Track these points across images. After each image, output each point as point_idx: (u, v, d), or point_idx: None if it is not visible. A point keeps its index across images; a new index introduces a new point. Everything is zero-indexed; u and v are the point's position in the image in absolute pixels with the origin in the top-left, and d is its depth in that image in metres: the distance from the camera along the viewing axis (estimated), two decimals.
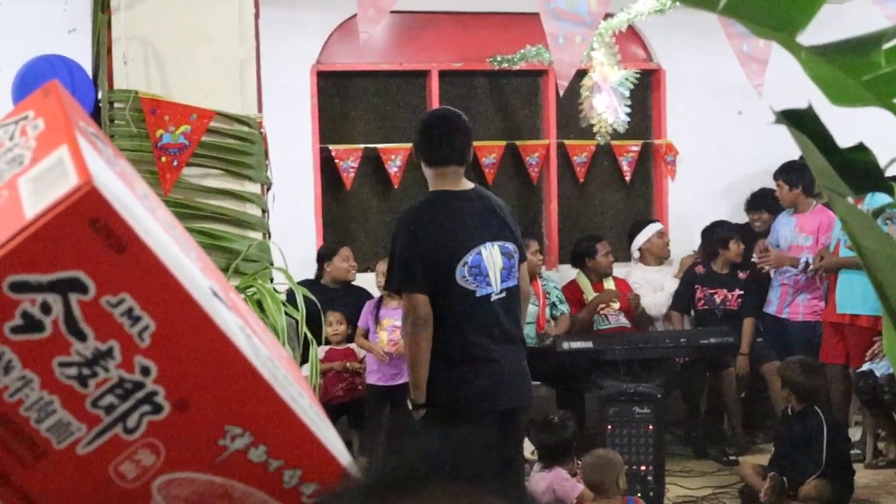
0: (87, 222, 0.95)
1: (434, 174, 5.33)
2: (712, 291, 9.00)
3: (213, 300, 1.05)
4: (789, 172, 8.81)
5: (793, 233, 8.85)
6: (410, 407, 5.22)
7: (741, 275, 9.05)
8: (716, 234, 9.14)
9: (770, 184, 9.18)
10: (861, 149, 1.43)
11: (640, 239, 9.48)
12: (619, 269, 9.31)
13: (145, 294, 0.98)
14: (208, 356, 1.01)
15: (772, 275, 8.91)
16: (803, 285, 8.78)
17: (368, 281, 8.60)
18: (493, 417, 5.22)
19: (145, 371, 1.00)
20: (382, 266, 8.16)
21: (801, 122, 1.41)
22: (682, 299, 9.14)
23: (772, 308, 8.96)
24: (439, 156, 5.31)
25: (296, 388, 1.12)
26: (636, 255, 9.54)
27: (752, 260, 8.93)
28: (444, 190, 5.31)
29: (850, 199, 1.47)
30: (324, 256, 8.58)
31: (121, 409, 1.00)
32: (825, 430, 7.15)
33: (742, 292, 8.99)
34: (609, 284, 9.11)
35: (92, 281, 0.96)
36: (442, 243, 5.19)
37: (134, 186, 1.10)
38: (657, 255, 9.40)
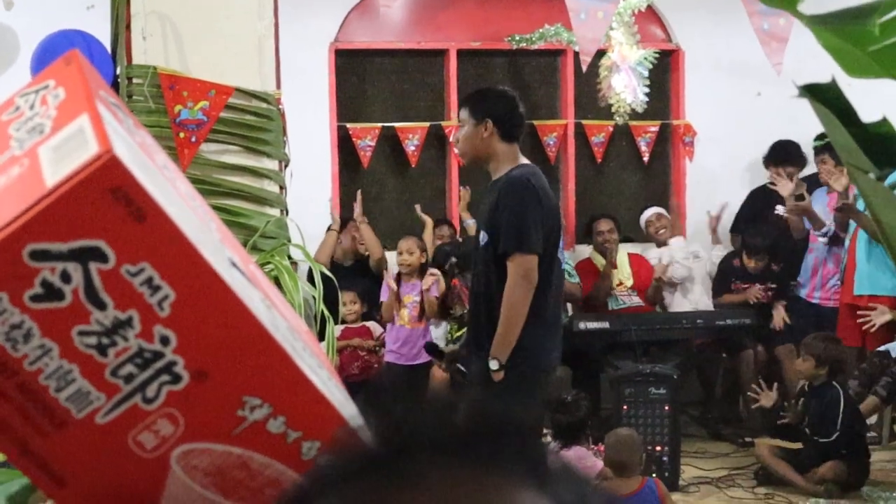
0: (107, 191, 0.94)
1: (510, 149, 5.42)
2: (745, 286, 8.93)
3: (233, 271, 1.04)
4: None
5: (824, 211, 8.77)
6: (495, 367, 5.19)
7: (775, 267, 9.00)
8: (742, 242, 9.17)
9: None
10: (884, 123, 1.42)
11: (641, 224, 9.56)
12: (636, 248, 9.30)
13: (165, 263, 0.97)
14: (228, 326, 1.01)
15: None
16: (832, 270, 8.73)
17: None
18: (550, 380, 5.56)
19: (165, 341, 0.99)
20: (405, 243, 8.15)
21: (823, 96, 1.40)
22: (718, 289, 9.11)
23: (803, 292, 8.94)
24: (519, 132, 5.50)
25: (315, 360, 1.12)
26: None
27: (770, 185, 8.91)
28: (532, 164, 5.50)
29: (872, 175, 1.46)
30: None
31: (140, 378, 1.00)
32: (842, 402, 7.17)
33: (774, 285, 8.93)
34: (622, 261, 9.08)
35: (112, 250, 0.96)
36: (554, 213, 5.41)
37: (154, 157, 1.10)
38: (652, 238, 9.42)
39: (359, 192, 8.74)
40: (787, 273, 9.01)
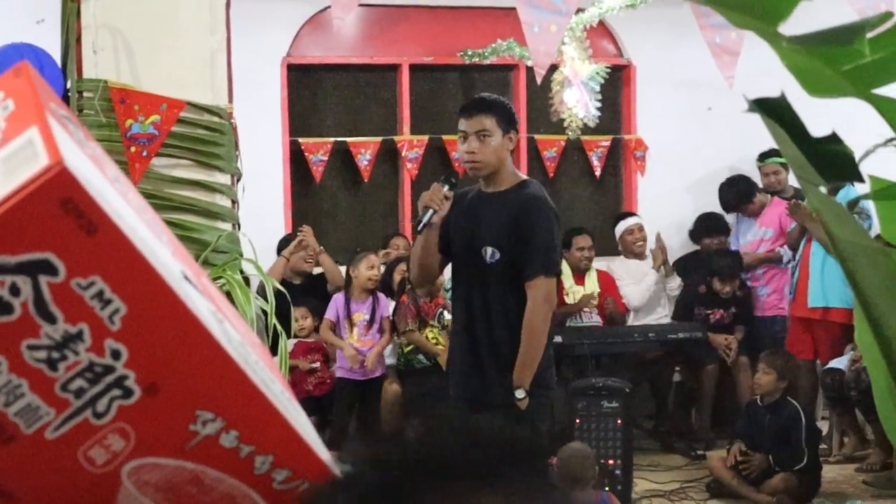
0: (57, 203, 0.93)
1: (511, 161, 5.37)
2: (709, 311, 8.94)
3: (185, 284, 1.04)
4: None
5: (753, 229, 8.98)
6: (521, 396, 5.02)
7: (739, 292, 9.02)
8: (703, 266, 9.16)
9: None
10: (834, 139, 1.43)
11: (617, 233, 9.48)
12: (599, 263, 9.26)
13: (116, 277, 0.96)
14: (179, 340, 1.00)
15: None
16: (763, 280, 8.87)
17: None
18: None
19: (116, 355, 0.98)
20: (373, 260, 8.10)
21: (773, 111, 1.41)
22: (679, 315, 9.11)
23: None
24: None
25: (268, 373, 1.11)
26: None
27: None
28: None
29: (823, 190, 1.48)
30: (281, 246, 8.51)
31: (90, 393, 0.99)
32: (804, 422, 7.22)
33: (736, 310, 8.96)
34: (591, 278, 9.03)
35: (62, 263, 0.95)
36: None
37: (105, 169, 1.09)
38: (627, 249, 9.37)
39: (307, 227, 8.59)
40: (746, 300, 9.06)
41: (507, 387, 5.02)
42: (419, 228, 5.20)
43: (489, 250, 5.14)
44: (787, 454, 7.15)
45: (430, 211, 5.08)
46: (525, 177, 5.37)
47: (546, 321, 5.07)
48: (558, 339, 8.12)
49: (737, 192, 9.21)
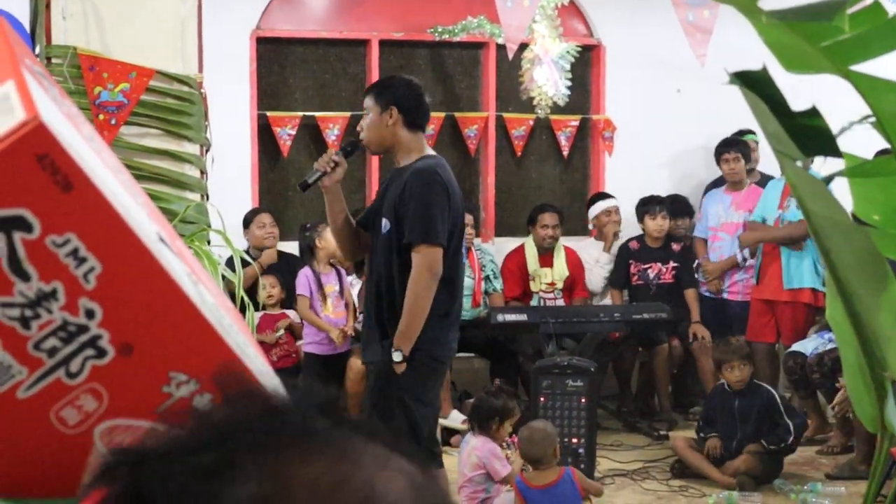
0: (33, 158, 0.92)
1: (415, 138, 5.39)
2: (646, 266, 8.99)
3: (160, 245, 1.02)
4: (739, 145, 8.85)
5: (727, 210, 8.91)
6: (398, 359, 5.16)
7: (675, 246, 9.06)
8: (639, 210, 9.16)
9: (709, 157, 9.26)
10: (813, 113, 1.43)
11: (590, 215, 9.47)
12: (568, 243, 9.24)
13: (92, 234, 0.95)
14: (155, 300, 0.99)
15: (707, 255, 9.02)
16: (739, 266, 8.87)
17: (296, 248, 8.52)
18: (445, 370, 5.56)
19: (90, 314, 0.97)
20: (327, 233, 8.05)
21: (754, 84, 1.41)
22: (618, 276, 9.12)
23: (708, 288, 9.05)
24: (424, 121, 5.46)
25: (242, 337, 1.10)
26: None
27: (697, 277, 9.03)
28: (439, 155, 5.45)
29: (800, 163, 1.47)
30: (243, 224, 8.49)
31: (64, 352, 0.98)
32: (779, 402, 7.26)
33: (676, 265, 9.00)
34: (559, 260, 9.02)
35: (37, 219, 0.93)
36: (459, 207, 5.36)
37: (80, 128, 1.07)
38: (601, 232, 9.35)
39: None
40: (686, 257, 9.06)
41: (385, 347, 5.23)
42: (301, 187, 5.48)
43: (384, 222, 5.35)
44: (774, 436, 7.16)
45: (318, 172, 5.36)
46: (429, 153, 5.44)
47: (427, 289, 5.18)
48: (523, 316, 8.15)
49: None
